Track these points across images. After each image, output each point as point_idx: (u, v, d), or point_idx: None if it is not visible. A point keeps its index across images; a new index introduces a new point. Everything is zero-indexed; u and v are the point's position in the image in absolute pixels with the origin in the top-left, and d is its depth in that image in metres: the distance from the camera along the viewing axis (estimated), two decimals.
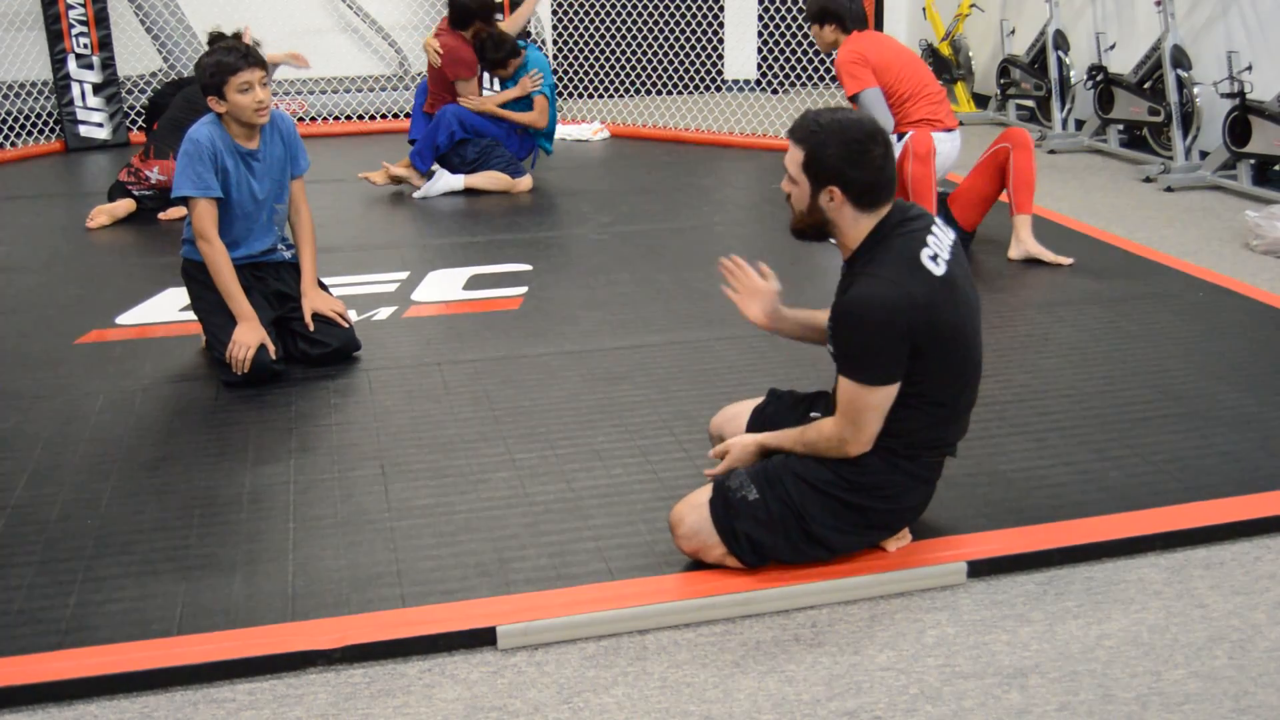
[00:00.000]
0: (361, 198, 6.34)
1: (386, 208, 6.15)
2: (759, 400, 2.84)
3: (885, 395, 2.39)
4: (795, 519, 2.48)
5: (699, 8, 9.04)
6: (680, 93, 9.27)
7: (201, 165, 3.60)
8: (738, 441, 2.63)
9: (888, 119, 4.93)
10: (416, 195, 6.27)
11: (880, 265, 2.38)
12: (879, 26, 7.69)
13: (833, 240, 2.52)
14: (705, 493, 2.55)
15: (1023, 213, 4.90)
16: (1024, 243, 4.91)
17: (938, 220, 2.52)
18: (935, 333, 2.37)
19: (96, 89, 7.78)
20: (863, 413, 2.40)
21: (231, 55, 3.58)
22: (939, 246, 2.44)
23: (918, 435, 2.47)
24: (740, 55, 9.83)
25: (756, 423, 2.78)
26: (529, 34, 8.11)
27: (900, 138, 4.99)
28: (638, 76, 9.17)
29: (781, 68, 8.86)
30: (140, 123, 7.53)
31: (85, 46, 7.72)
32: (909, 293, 2.34)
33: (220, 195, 3.64)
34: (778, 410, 2.77)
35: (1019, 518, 2.78)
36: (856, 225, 2.43)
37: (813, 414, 2.67)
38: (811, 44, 8.35)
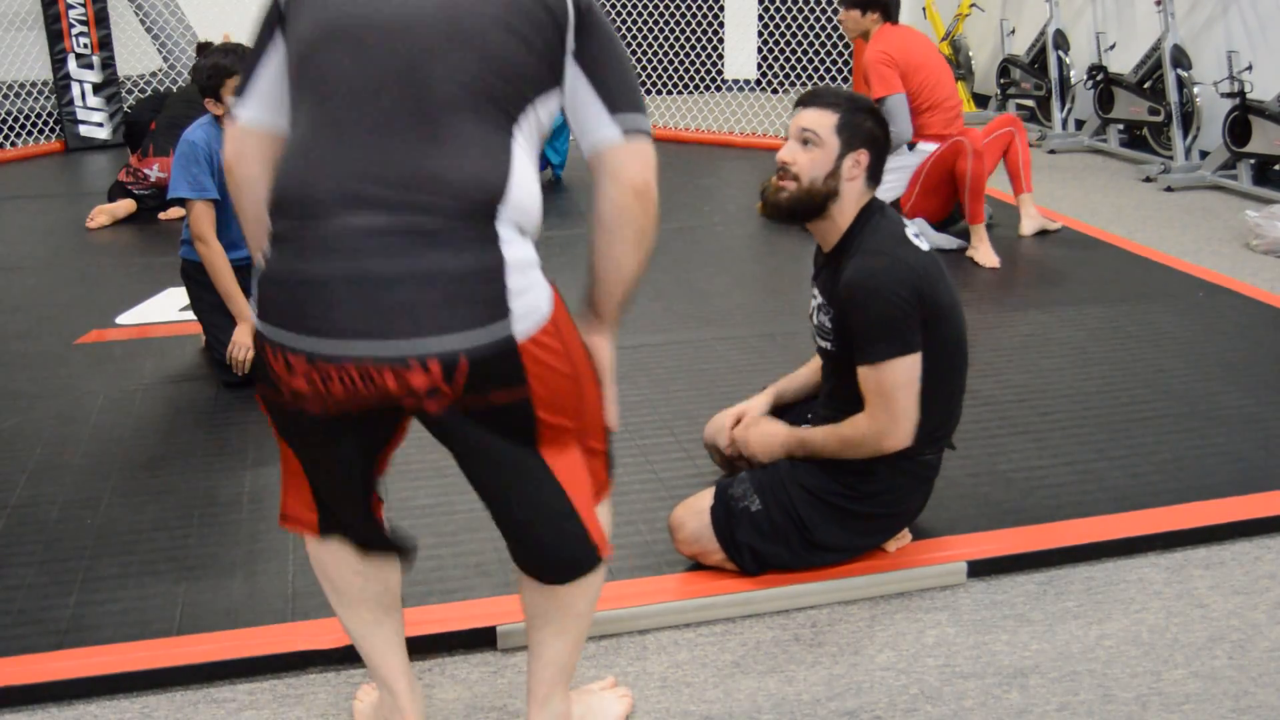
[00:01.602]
0: None
1: None
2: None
3: (909, 367, 2.34)
4: (798, 529, 2.47)
5: (699, 8, 9.04)
6: (680, 93, 9.27)
7: (197, 167, 3.61)
8: (761, 432, 2.59)
9: (907, 128, 4.90)
10: None
11: (872, 242, 2.39)
12: None
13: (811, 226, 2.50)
14: (706, 498, 2.54)
15: (1029, 190, 5.15)
16: (1034, 218, 5.16)
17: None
18: (937, 303, 2.37)
19: (96, 89, 7.77)
20: (893, 393, 2.34)
21: (229, 58, 3.59)
22: (917, 227, 2.47)
23: (920, 429, 2.45)
24: (740, 55, 9.83)
25: None
26: None
27: (911, 148, 4.96)
28: (638, 76, 9.15)
29: (781, 68, 8.86)
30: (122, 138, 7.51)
31: (85, 46, 7.71)
32: (908, 263, 2.35)
33: (217, 197, 3.65)
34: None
35: (1019, 518, 2.78)
36: (858, 203, 2.44)
37: (809, 415, 2.67)
38: (811, 44, 8.37)
